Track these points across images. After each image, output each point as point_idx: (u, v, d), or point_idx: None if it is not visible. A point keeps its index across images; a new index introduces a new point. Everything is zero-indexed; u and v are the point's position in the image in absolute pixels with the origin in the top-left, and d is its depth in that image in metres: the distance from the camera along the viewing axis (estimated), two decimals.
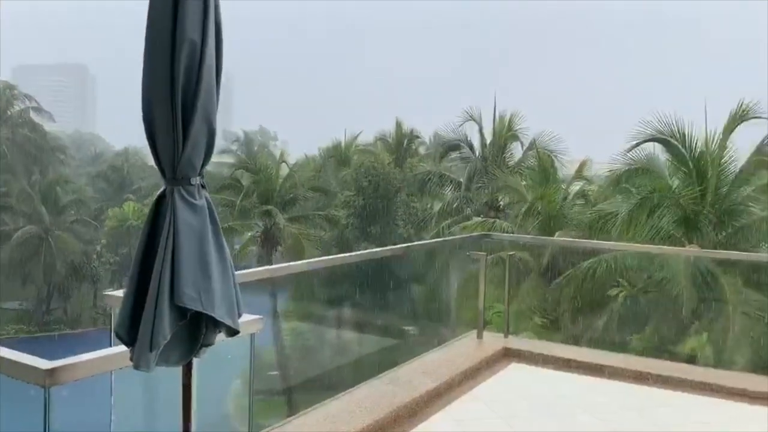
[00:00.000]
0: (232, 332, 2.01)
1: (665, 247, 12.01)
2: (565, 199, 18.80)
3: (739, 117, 13.54)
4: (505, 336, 6.05)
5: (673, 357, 11.86)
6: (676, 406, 4.72)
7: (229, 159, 36.40)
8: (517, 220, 17.92)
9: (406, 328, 19.10)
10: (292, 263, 4.18)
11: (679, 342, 12.42)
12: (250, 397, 2.78)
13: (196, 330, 1.98)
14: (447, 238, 10.08)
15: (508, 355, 5.62)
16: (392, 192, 25.64)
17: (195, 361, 2.67)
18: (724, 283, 11.78)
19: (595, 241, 13.23)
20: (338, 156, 32.48)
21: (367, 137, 34.50)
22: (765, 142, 13.97)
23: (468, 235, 10.75)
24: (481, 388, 4.88)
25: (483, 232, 7.04)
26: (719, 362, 11.39)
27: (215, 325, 1.96)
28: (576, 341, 13.61)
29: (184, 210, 1.84)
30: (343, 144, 33.86)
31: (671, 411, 4.60)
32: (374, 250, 5.17)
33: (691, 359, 12.01)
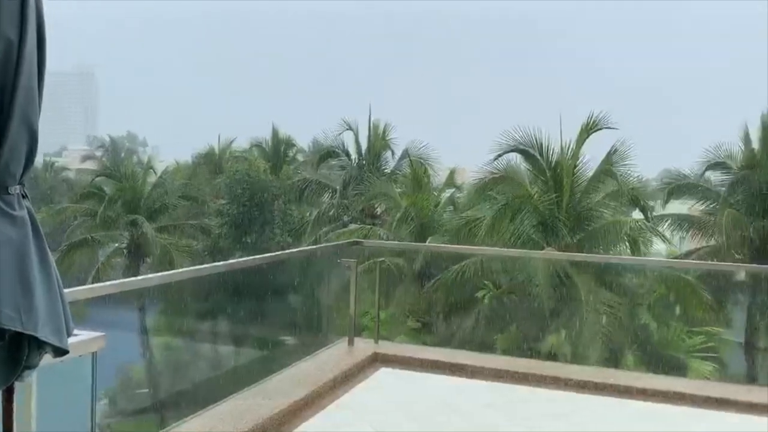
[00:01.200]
0: (61, 352, 1.86)
1: (526, 250, 12.81)
2: (436, 206, 19.47)
3: (589, 128, 14.73)
4: (376, 341, 6.11)
5: (536, 354, 12.65)
6: (535, 401, 4.98)
7: (93, 166, 34.18)
8: (392, 227, 18.31)
9: (283, 338, 18.89)
10: (136, 278, 3.96)
11: (541, 340, 13.26)
12: (92, 420, 2.60)
13: (17, 352, 1.80)
14: (316, 246, 10.08)
15: (378, 360, 5.68)
16: (268, 200, 25.25)
17: (34, 383, 2.47)
18: (579, 282, 12.74)
19: (462, 246, 13.86)
20: (211, 163, 31.52)
21: (242, 143, 33.74)
22: (612, 151, 15.31)
23: (338, 242, 10.79)
24: (349, 395, 4.90)
25: (354, 239, 7.09)
26: (576, 358, 12.28)
27: (39, 345, 1.81)
28: (447, 343, 14.13)
29: (0, 222, 1.68)
30: (217, 150, 32.90)
31: (530, 406, 4.85)
32: (234, 260, 5.04)
33: (552, 356, 12.86)
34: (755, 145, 17.56)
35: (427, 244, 15.78)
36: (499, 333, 14.08)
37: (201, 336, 22.73)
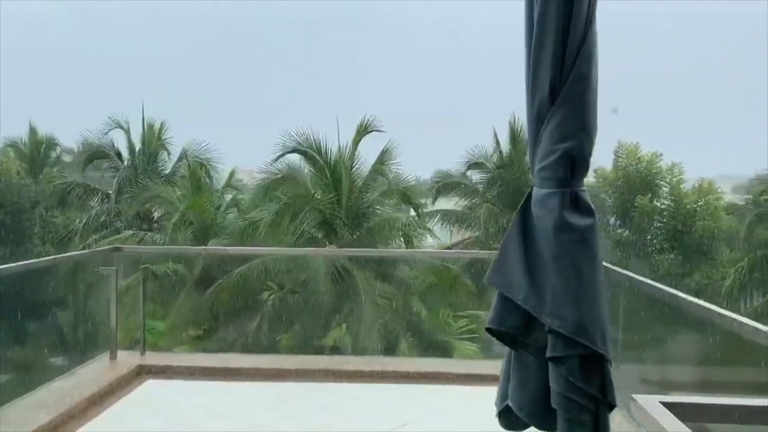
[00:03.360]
0: None
1: (308, 248, 13.04)
2: (218, 208, 18.94)
3: (362, 131, 15.48)
4: (142, 353, 5.77)
5: (319, 350, 12.94)
6: (309, 396, 5.05)
7: None
8: (169, 231, 17.42)
9: (47, 357, 16.97)
10: None
11: (324, 335, 13.59)
12: None
13: None
14: (67, 255, 9.22)
15: (144, 372, 5.36)
16: (25, 206, 22.49)
17: None
18: (358, 277, 13.30)
19: (239, 248, 13.66)
20: None
21: None
22: (384, 151, 16.25)
23: (96, 249, 9.95)
24: (109, 411, 4.54)
25: (115, 245, 6.60)
26: (356, 349, 12.79)
27: None
28: (231, 348, 13.82)
29: None
30: None
31: (301, 402, 4.91)
32: None
33: (335, 350, 13.25)
34: (505, 147, 19.87)
35: (200, 247, 15.27)
36: (284, 333, 14.13)
37: None
